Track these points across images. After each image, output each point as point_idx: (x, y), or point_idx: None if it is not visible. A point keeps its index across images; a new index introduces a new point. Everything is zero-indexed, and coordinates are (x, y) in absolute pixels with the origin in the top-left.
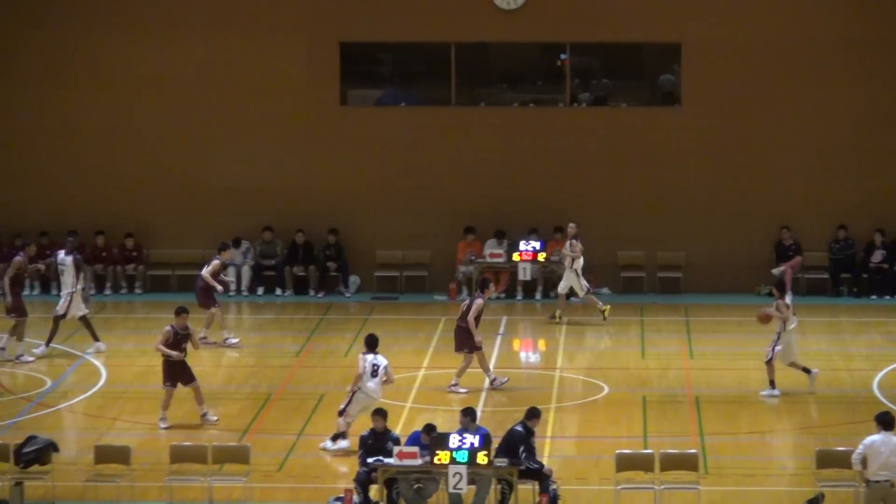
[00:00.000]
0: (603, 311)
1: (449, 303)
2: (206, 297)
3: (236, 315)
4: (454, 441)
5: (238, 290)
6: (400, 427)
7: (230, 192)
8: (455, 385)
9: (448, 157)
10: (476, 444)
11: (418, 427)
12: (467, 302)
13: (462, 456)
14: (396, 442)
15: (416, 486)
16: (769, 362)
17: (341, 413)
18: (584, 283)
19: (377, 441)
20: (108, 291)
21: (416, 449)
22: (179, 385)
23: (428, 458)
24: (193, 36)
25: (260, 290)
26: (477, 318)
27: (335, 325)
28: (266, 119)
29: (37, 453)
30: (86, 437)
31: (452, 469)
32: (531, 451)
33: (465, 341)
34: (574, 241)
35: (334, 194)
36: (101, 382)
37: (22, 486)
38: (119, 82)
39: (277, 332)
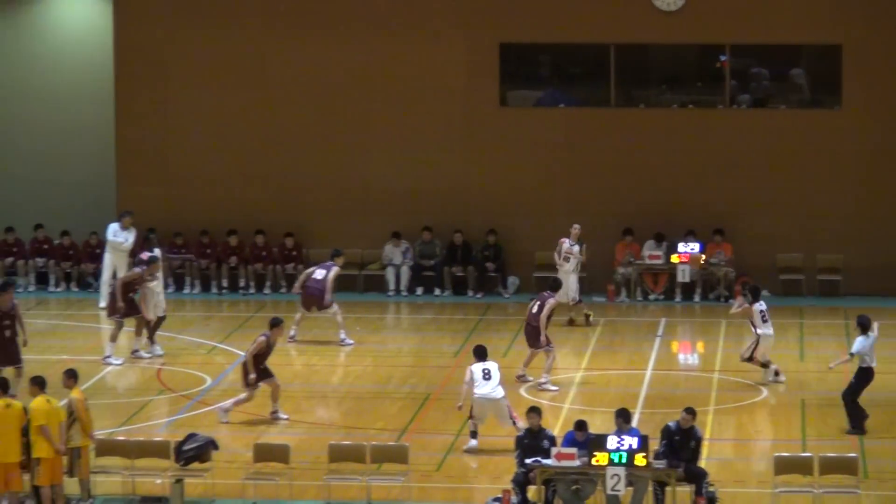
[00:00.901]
0: (588, 315)
1: (608, 304)
2: (323, 300)
3: (395, 315)
4: (612, 442)
5: (397, 291)
6: (558, 428)
7: (389, 193)
8: (545, 382)
9: (607, 159)
10: (634, 446)
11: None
12: (538, 301)
13: (620, 457)
14: (552, 441)
15: (573, 487)
16: (749, 360)
17: (515, 423)
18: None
19: (533, 440)
20: (267, 290)
21: (574, 450)
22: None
23: (586, 459)
24: (353, 37)
25: (419, 291)
26: (548, 318)
27: (493, 325)
28: (426, 119)
29: (197, 451)
30: (245, 436)
31: (610, 471)
32: (690, 451)
33: (536, 339)
34: (581, 244)
35: (493, 195)
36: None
37: (182, 484)
38: (278, 83)
39: (436, 332)
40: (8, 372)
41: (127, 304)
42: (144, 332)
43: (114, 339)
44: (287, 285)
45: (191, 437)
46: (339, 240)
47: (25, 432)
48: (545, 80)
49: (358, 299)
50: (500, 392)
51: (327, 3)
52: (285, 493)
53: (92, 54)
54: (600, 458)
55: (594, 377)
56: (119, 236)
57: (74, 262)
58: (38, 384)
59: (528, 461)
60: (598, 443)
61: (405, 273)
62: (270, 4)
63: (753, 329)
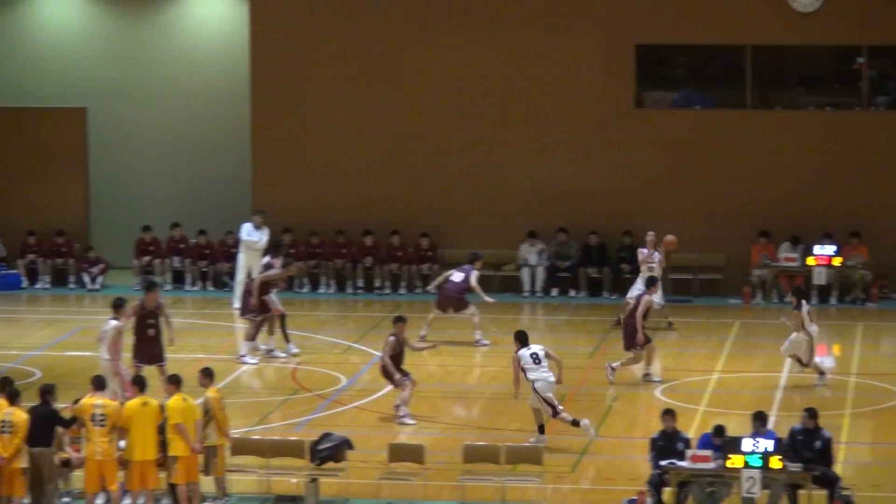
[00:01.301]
0: (670, 322)
1: (743, 306)
2: (461, 302)
3: (530, 316)
4: (748, 445)
5: (532, 292)
6: (693, 430)
7: (524, 193)
8: (647, 375)
9: (743, 161)
10: (770, 449)
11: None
12: (636, 299)
13: (756, 460)
14: (687, 443)
15: (708, 489)
16: (807, 364)
17: (556, 414)
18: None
19: (667, 442)
20: (402, 291)
21: (709, 452)
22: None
23: (721, 462)
24: (489, 37)
25: (554, 292)
26: (645, 316)
27: None
28: (561, 120)
29: (332, 450)
30: (380, 436)
31: (746, 473)
32: (815, 452)
33: (632, 338)
34: (658, 250)
35: (628, 196)
36: None
37: (317, 483)
38: (415, 82)
39: (571, 333)
40: (151, 370)
41: (260, 303)
42: (278, 330)
43: (250, 338)
44: (422, 286)
45: (326, 436)
46: (475, 240)
47: (162, 430)
48: (681, 81)
49: (493, 300)
50: (553, 375)
51: (464, 3)
52: (420, 493)
53: (228, 53)
54: (735, 461)
55: (729, 379)
56: (253, 235)
57: (210, 262)
58: (175, 383)
59: (662, 463)
60: (734, 445)
61: (540, 274)
62: (407, 3)
63: (806, 331)
